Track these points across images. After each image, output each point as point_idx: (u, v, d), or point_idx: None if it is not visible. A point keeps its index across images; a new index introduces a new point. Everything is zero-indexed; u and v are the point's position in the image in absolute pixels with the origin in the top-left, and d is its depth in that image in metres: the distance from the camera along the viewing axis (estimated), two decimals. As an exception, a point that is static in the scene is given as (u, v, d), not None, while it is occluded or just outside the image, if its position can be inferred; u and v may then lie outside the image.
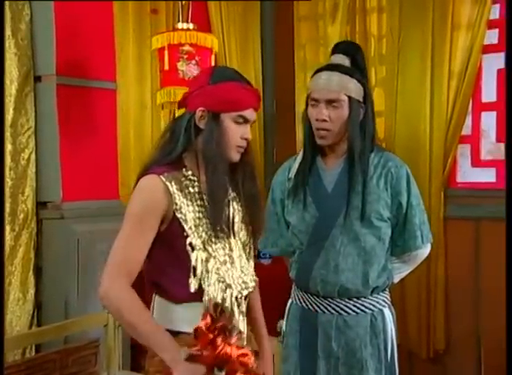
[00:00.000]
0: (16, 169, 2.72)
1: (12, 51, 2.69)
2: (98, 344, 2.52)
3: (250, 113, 1.59)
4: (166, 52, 2.61)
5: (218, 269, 1.56)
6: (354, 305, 1.95)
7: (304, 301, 2.01)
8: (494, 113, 3.17)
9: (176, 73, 2.62)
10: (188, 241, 1.53)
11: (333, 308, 1.95)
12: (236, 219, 1.64)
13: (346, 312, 1.94)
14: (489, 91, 3.17)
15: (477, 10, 3.07)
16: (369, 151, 1.95)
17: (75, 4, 2.86)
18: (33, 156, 2.78)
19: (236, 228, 1.63)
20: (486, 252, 3.13)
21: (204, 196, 1.57)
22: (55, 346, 2.52)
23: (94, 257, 2.86)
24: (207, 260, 1.55)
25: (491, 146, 3.18)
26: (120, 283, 1.46)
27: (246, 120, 1.59)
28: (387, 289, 2.02)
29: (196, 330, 1.38)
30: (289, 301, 2.11)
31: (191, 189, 1.57)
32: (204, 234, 1.55)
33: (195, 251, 1.53)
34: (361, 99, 1.95)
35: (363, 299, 1.95)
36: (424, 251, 2.03)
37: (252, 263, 1.68)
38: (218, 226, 1.56)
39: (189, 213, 1.54)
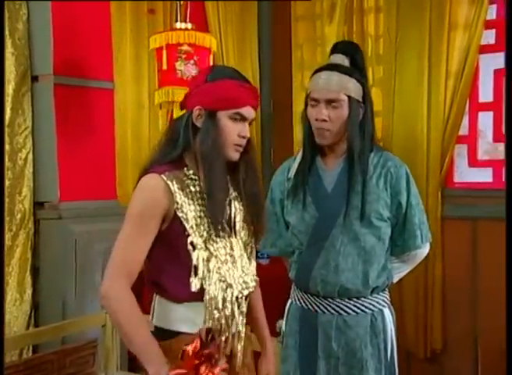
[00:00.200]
0: (14, 169, 2.71)
1: (9, 50, 2.68)
2: (96, 345, 2.51)
3: (247, 111, 1.58)
4: (164, 52, 2.61)
5: (219, 268, 1.55)
6: (354, 305, 1.94)
7: (304, 302, 2.00)
8: (491, 113, 3.18)
9: (175, 73, 2.62)
10: (189, 240, 1.53)
11: (333, 309, 1.95)
12: (238, 219, 1.63)
13: (346, 312, 1.94)
14: (486, 91, 3.17)
15: (474, 10, 3.07)
16: (369, 150, 1.95)
17: (72, 3, 2.85)
18: (30, 156, 2.77)
19: (237, 227, 1.63)
20: (483, 252, 3.14)
21: (205, 195, 1.57)
22: (52, 347, 2.51)
23: (92, 257, 2.86)
24: (208, 259, 1.54)
25: (488, 146, 3.19)
26: (120, 284, 1.47)
27: (243, 118, 1.57)
28: (387, 289, 2.02)
29: (183, 352, 1.39)
30: (289, 301, 2.10)
31: (192, 188, 1.57)
32: (205, 233, 1.54)
33: (196, 251, 1.53)
34: (361, 99, 1.95)
35: (363, 299, 1.95)
36: (424, 250, 2.04)
37: (254, 263, 1.68)
38: (219, 225, 1.55)
39: (190, 212, 1.54)
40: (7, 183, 2.67)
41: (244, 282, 1.60)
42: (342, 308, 1.95)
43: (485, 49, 3.14)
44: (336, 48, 2.02)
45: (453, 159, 3.25)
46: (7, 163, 2.67)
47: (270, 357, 1.80)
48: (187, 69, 2.60)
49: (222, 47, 3.53)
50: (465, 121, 3.20)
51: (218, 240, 1.57)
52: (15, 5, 2.72)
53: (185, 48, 2.60)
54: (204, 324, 1.52)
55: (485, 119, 3.19)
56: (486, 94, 3.17)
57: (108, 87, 3.04)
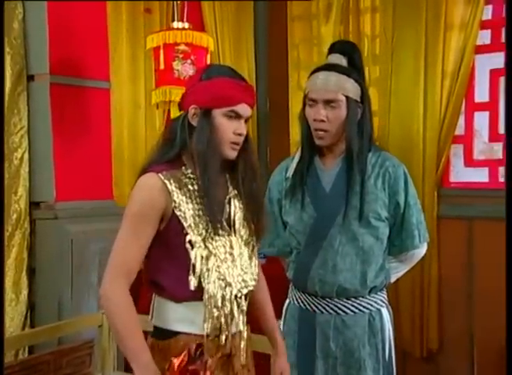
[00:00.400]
0: (9, 168, 2.69)
1: (5, 50, 2.67)
2: (93, 345, 2.50)
3: (242, 108, 1.57)
4: (162, 52, 2.60)
5: (218, 266, 1.55)
6: (352, 305, 1.95)
7: (302, 302, 2.01)
8: (487, 113, 3.19)
9: (172, 73, 2.61)
10: (187, 238, 1.53)
11: (331, 308, 1.95)
12: (237, 217, 1.63)
13: (344, 311, 1.95)
14: (482, 91, 3.18)
15: (470, 11, 3.08)
16: (367, 150, 1.96)
17: (68, 3, 2.84)
18: (26, 156, 2.76)
19: (237, 226, 1.63)
20: (479, 252, 3.14)
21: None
22: (48, 347, 2.50)
23: (88, 257, 2.85)
24: (207, 257, 1.54)
25: (484, 146, 3.20)
26: (119, 285, 1.48)
27: (238, 115, 1.57)
28: (385, 289, 2.03)
29: (170, 363, 1.42)
30: (287, 301, 2.11)
31: (190, 187, 1.57)
32: (204, 232, 1.54)
33: (195, 249, 1.53)
34: (359, 99, 1.95)
35: (361, 299, 1.95)
36: (422, 250, 2.04)
37: (256, 262, 1.67)
38: (218, 224, 1.55)
39: (188, 211, 1.54)
40: (3, 182, 2.66)
41: (243, 280, 1.60)
42: (340, 308, 1.95)
43: (480, 49, 3.15)
44: (334, 48, 2.03)
45: (449, 159, 3.26)
46: (3, 163, 2.66)
47: (282, 356, 1.79)
48: (184, 69, 2.59)
49: (219, 47, 3.53)
50: (461, 121, 3.21)
51: (217, 238, 1.57)
52: (10, 5, 2.71)
53: (182, 47, 2.59)
54: (204, 323, 1.52)
55: (481, 119, 3.19)
56: (482, 94, 3.18)
57: (105, 87, 3.03)
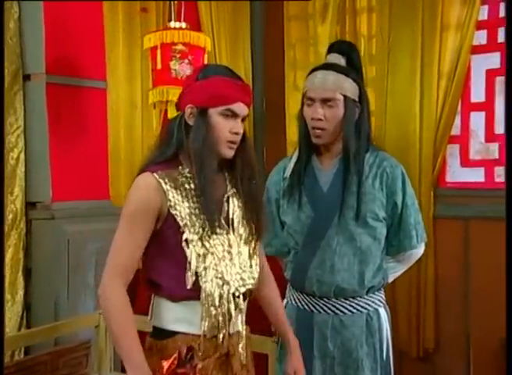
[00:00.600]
0: (5, 168, 2.68)
1: (1, 49, 2.66)
2: (89, 346, 2.49)
3: (238, 107, 1.58)
4: (159, 51, 2.59)
5: (216, 265, 1.55)
6: (350, 305, 1.95)
7: (300, 302, 2.00)
8: (483, 113, 3.19)
9: (169, 72, 2.60)
10: (184, 236, 1.53)
11: (329, 308, 1.95)
12: (236, 215, 1.63)
13: (341, 311, 1.95)
14: (478, 92, 3.19)
15: (466, 11, 3.09)
16: (364, 150, 1.96)
17: (64, 2, 2.83)
18: (22, 156, 2.75)
19: (235, 224, 1.63)
20: (475, 252, 3.15)
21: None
22: (44, 348, 2.49)
23: (85, 257, 2.84)
24: (204, 256, 1.55)
25: (480, 146, 3.21)
26: (117, 284, 1.49)
27: (234, 114, 1.58)
28: (382, 289, 2.03)
29: (160, 366, 1.43)
30: (284, 301, 2.10)
31: (187, 186, 1.57)
32: (201, 230, 1.55)
33: (191, 247, 1.53)
34: (357, 98, 1.95)
35: (358, 299, 1.95)
36: (419, 250, 2.05)
37: (257, 260, 1.67)
38: (215, 222, 1.56)
39: (184, 210, 1.54)
40: (-1, 183, 2.65)
41: (242, 279, 1.60)
42: (338, 308, 1.95)
43: (476, 50, 3.16)
44: (333, 48, 2.03)
45: (446, 159, 3.26)
46: (-2, 163, 2.65)
47: (296, 354, 1.80)
48: (182, 69, 2.59)
49: (215, 46, 3.52)
50: (457, 121, 3.22)
51: (214, 236, 1.57)
52: (6, 4, 2.69)
53: (179, 47, 2.59)
54: (202, 322, 1.52)
55: (477, 119, 3.20)
56: (478, 94, 3.19)
57: (101, 87, 3.02)
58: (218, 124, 1.56)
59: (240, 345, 1.59)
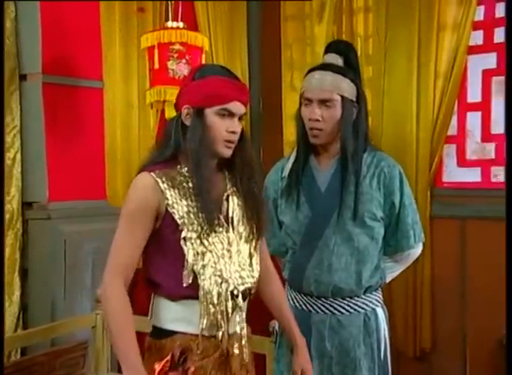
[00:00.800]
0: (2, 168, 2.68)
1: (-2, 49, 2.65)
2: (86, 346, 2.49)
3: (234, 106, 1.58)
4: (156, 51, 2.59)
5: (215, 263, 1.56)
6: (348, 305, 1.95)
7: (298, 301, 2.00)
8: (479, 113, 3.20)
9: (166, 72, 2.60)
10: (182, 235, 1.54)
11: (327, 308, 1.95)
12: (235, 214, 1.63)
13: (339, 311, 1.95)
14: (474, 92, 3.20)
15: (462, 11, 3.10)
16: (362, 150, 1.96)
17: (61, 2, 2.82)
18: (18, 156, 2.74)
19: (235, 223, 1.63)
20: (472, 251, 3.16)
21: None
22: (41, 349, 2.48)
23: (81, 258, 2.83)
24: (203, 254, 1.55)
25: (476, 146, 3.22)
26: (117, 284, 1.50)
27: (231, 113, 1.58)
28: (380, 288, 2.03)
29: (153, 368, 1.44)
30: (282, 300, 2.10)
31: (185, 184, 1.57)
32: (199, 228, 1.55)
33: (189, 245, 1.54)
34: (354, 99, 1.95)
35: (356, 299, 1.95)
36: (417, 250, 2.05)
37: (258, 259, 1.66)
38: (214, 220, 1.56)
39: (182, 208, 1.55)
40: (-5, 183, 2.64)
41: (240, 277, 1.60)
42: (335, 308, 1.95)
43: (473, 50, 3.16)
44: (330, 48, 2.03)
45: (442, 159, 3.27)
46: (-5, 163, 2.64)
47: (302, 353, 1.79)
48: (179, 69, 2.58)
49: (212, 46, 3.52)
50: (454, 121, 3.23)
51: (213, 235, 1.57)
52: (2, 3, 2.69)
53: (177, 47, 2.59)
54: (200, 319, 1.52)
55: (474, 119, 3.21)
56: (474, 94, 3.20)
57: (98, 87, 3.02)
58: (215, 124, 1.56)
59: (240, 345, 1.59)
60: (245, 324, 1.62)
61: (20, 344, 2.50)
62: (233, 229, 1.62)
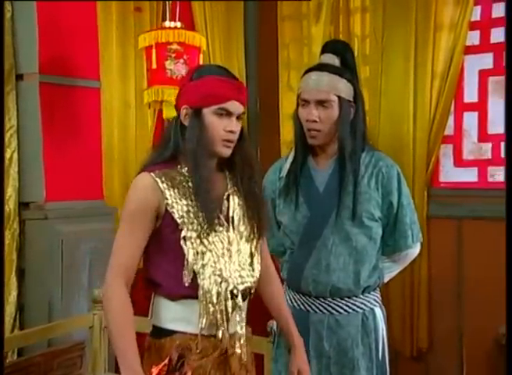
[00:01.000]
0: None
1: (-5, 48, 2.64)
2: (84, 347, 2.49)
3: (232, 105, 1.57)
4: (154, 51, 2.58)
5: (214, 262, 1.56)
6: (346, 305, 1.95)
7: (296, 301, 2.00)
8: (476, 114, 3.22)
9: (164, 72, 2.60)
10: (182, 234, 1.54)
11: (325, 308, 1.95)
12: (236, 214, 1.63)
13: (337, 311, 1.95)
14: (471, 92, 3.22)
15: (459, 11, 3.11)
16: (360, 150, 1.96)
17: (57, 2, 2.81)
18: (15, 156, 2.73)
19: (235, 222, 1.63)
20: (469, 251, 3.17)
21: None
22: (38, 349, 2.48)
23: (78, 258, 2.82)
24: (203, 253, 1.55)
25: (473, 146, 3.24)
26: (118, 285, 1.50)
27: (229, 113, 1.57)
28: (378, 288, 2.03)
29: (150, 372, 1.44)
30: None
31: (185, 184, 1.57)
32: (199, 228, 1.55)
33: (189, 244, 1.54)
34: (351, 99, 1.95)
35: (354, 298, 1.95)
36: (415, 250, 2.05)
37: (258, 259, 1.66)
38: (214, 220, 1.56)
39: (182, 207, 1.55)
40: (-9, 183, 2.63)
41: (240, 276, 1.60)
42: (333, 308, 1.95)
43: (469, 50, 3.18)
44: (327, 48, 2.02)
45: (439, 159, 3.29)
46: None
47: (300, 353, 1.78)
48: (177, 68, 2.58)
49: (209, 46, 3.52)
50: (450, 121, 3.25)
51: (213, 234, 1.57)
52: (0, 3, 2.68)
53: (174, 46, 2.58)
54: (199, 319, 1.52)
55: (470, 120, 3.23)
56: (471, 94, 3.22)
57: (95, 86, 3.00)
58: (213, 123, 1.56)
59: (240, 345, 1.59)
60: (245, 324, 1.62)
61: (17, 344, 2.49)
62: (234, 228, 1.62)
